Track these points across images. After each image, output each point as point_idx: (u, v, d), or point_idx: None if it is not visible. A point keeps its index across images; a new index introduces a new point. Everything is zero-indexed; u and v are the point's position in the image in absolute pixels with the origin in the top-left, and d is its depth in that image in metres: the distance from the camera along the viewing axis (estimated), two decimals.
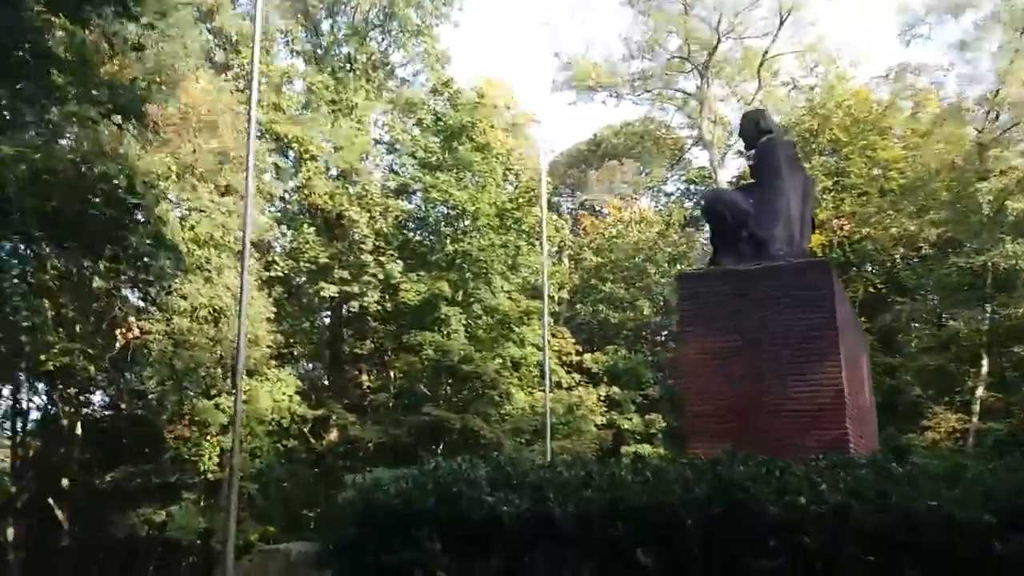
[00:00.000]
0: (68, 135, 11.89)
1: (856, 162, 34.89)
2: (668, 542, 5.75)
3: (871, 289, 34.72)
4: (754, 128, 10.09)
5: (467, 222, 24.05)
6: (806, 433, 8.21)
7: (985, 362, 26.39)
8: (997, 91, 26.04)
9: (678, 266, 34.54)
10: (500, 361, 24.15)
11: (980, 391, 26.32)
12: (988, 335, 26.03)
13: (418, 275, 23.72)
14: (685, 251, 32.61)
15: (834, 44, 33.89)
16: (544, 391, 17.04)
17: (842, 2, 48.55)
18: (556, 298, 26.90)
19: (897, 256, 31.69)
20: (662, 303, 32.40)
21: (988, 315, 25.62)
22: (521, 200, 24.02)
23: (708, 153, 33.86)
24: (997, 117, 27.42)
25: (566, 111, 70.23)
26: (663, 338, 33.69)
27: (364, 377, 29.61)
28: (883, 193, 34.08)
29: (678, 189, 42.10)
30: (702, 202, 9.86)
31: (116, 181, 10.11)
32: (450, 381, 24.72)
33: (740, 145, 36.57)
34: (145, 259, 10.69)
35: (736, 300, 8.84)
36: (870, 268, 34.11)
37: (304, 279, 26.66)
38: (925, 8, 28.48)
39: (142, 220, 10.54)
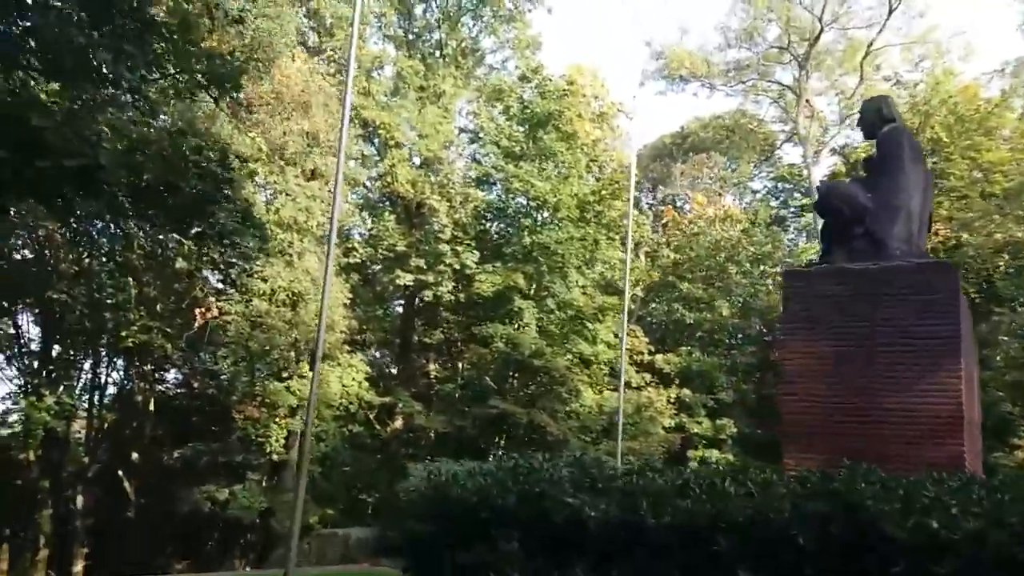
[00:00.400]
0: (163, 111, 11.92)
1: (958, 163, 33.12)
2: (775, 560, 5.19)
3: (966, 297, 32.98)
4: (876, 115, 9.28)
5: (546, 214, 23.57)
6: (919, 448, 7.46)
7: None
8: None
9: (762, 267, 33.43)
10: (570, 357, 23.61)
11: None
12: None
13: (493, 266, 23.36)
14: (770, 251, 31.46)
15: (944, 36, 31.89)
16: (619, 390, 16.39)
17: None
18: (631, 295, 26.17)
19: (1001, 263, 29.99)
20: (741, 304, 31.35)
21: None
22: (604, 193, 23.40)
23: (801, 148, 32.59)
24: None
25: (653, 103, 68.91)
26: (740, 340, 32.62)
27: (432, 367, 29.52)
28: (984, 197, 32.27)
29: (765, 187, 40.80)
30: (817, 193, 9.08)
31: (210, 154, 10.01)
32: (517, 375, 24.33)
33: (836, 141, 35.24)
34: (232, 237, 10.55)
35: (849, 301, 8.10)
36: (967, 275, 32.33)
37: (380, 267, 26.64)
38: None
39: (231, 197, 10.44)
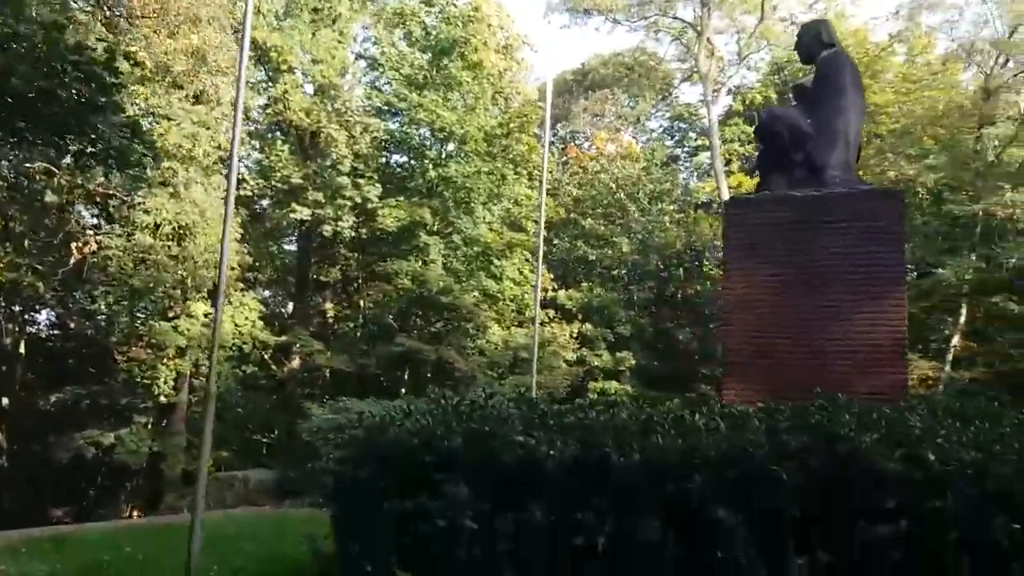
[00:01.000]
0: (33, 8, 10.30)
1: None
2: (755, 501, 4.92)
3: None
4: (815, 39, 9.02)
5: (452, 146, 22.72)
6: (863, 377, 7.42)
7: (964, 311, 26.19)
8: (1012, 32, 25.13)
9: (659, 204, 33.73)
10: (477, 294, 23.16)
11: (956, 340, 26.19)
12: (970, 284, 25.72)
13: (396, 200, 22.42)
14: (668, 189, 31.72)
15: None
16: (531, 325, 16.07)
17: None
18: (536, 232, 25.83)
19: None
20: (639, 241, 31.63)
21: (973, 264, 25.21)
22: (512, 126, 22.69)
23: (699, 87, 32.67)
24: (1007, 62, 26.54)
25: (556, 37, 67.85)
26: (638, 276, 32.97)
27: (329, 305, 28.49)
28: (871, 138, 33.52)
29: (661, 126, 41.10)
30: (758, 119, 8.73)
31: (93, 55, 8.64)
32: (423, 312, 23.72)
33: (734, 81, 35.58)
34: (115, 153, 9.27)
35: (792, 229, 7.91)
36: None
37: (272, 200, 25.20)
38: None
39: (119, 105, 9.12)
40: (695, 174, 37.56)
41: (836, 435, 4.84)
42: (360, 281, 25.64)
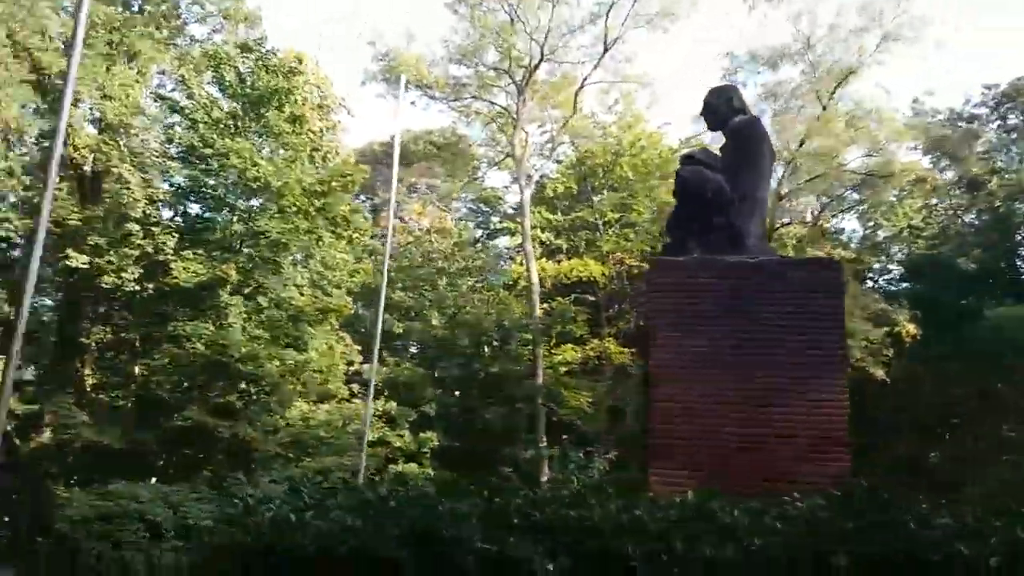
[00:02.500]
0: None
1: (641, 201, 36.00)
2: None
3: (640, 324, 35.90)
4: (726, 105, 8.64)
5: (263, 199, 20.61)
6: (805, 464, 6.73)
7: None
8: (802, 143, 27.56)
9: (468, 280, 33.17)
10: (280, 364, 20.85)
11: None
12: None
13: (195, 254, 19.84)
14: (480, 266, 31.26)
15: (655, 82, 34.25)
16: (363, 399, 14.40)
17: (669, 42, 50.29)
18: (347, 302, 24.08)
19: None
20: (449, 316, 30.78)
21: None
22: (334, 184, 21.04)
23: (516, 169, 32.89)
24: (796, 170, 29.03)
25: (370, 106, 66.68)
26: (446, 353, 31.91)
27: (87, 371, 24.60)
28: (662, 234, 35.39)
29: (467, 207, 40.99)
30: (679, 179, 8.06)
31: None
32: (213, 383, 20.90)
33: (550, 168, 36.26)
34: None
35: (727, 298, 7.22)
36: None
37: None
38: (749, 55, 29.54)
39: None
40: (502, 256, 37.54)
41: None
42: (137, 343, 22.32)
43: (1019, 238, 27.92)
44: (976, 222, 31.10)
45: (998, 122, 30.01)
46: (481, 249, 33.14)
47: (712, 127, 8.91)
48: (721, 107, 8.68)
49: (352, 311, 23.78)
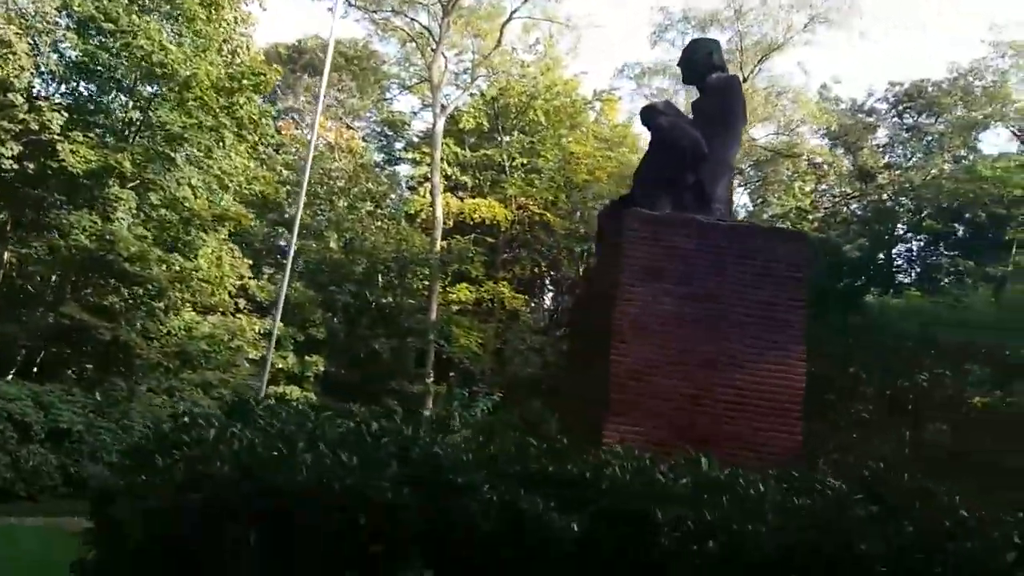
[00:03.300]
0: None
1: (550, 149, 35.81)
2: None
3: (534, 271, 36.13)
4: (706, 59, 8.40)
5: (165, 87, 18.92)
6: (755, 434, 6.78)
7: None
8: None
9: (367, 204, 32.09)
10: (167, 269, 19.53)
11: None
12: None
13: (86, 136, 18.09)
14: (385, 192, 30.31)
15: (580, 28, 33.69)
16: (273, 318, 13.67)
17: None
18: (245, 210, 22.75)
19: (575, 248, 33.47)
20: (348, 239, 29.82)
21: None
22: (245, 82, 19.55)
23: (432, 96, 31.85)
24: None
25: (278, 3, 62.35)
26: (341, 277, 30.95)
27: None
28: (568, 185, 35.44)
29: (373, 128, 39.53)
30: (656, 127, 7.79)
31: None
32: (81, 278, 19.31)
33: (463, 101, 35.25)
34: None
35: (697, 257, 7.08)
36: (542, 251, 35.28)
37: None
38: (682, 15, 29.47)
39: None
40: (402, 185, 36.51)
41: None
42: (9, 227, 20.34)
43: (900, 232, 29.54)
44: (859, 212, 32.73)
45: (895, 119, 31.40)
46: (389, 176, 32.01)
47: (688, 80, 8.67)
48: (700, 61, 8.45)
49: (251, 221, 22.48)
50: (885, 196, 30.30)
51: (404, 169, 38.48)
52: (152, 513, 3.85)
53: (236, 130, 19.91)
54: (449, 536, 3.69)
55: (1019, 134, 26.88)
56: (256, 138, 20.55)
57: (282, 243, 28.70)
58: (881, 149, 31.37)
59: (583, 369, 8.17)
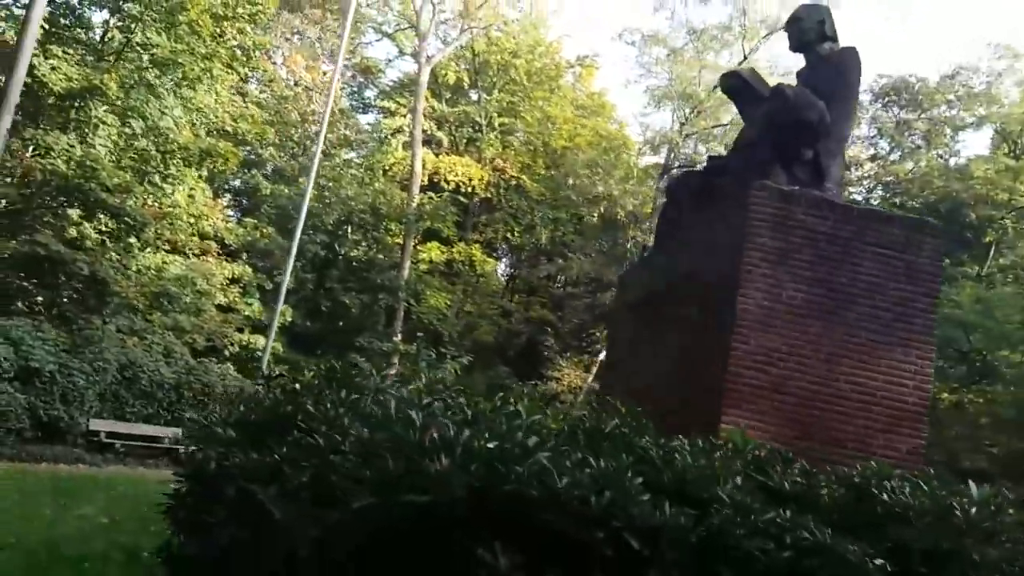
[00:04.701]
0: None
1: (529, 110, 34.95)
2: None
3: (508, 236, 35.37)
4: (817, 26, 7.82)
5: (154, 7, 17.40)
6: (882, 435, 6.33)
7: None
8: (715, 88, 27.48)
9: (344, 152, 30.76)
10: (146, 203, 18.24)
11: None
12: None
13: (65, 51, 16.54)
14: (364, 140, 29.03)
15: None
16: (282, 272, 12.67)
17: None
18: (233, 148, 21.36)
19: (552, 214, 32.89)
20: (321, 187, 28.56)
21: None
22: (240, 11, 18.10)
23: (418, 43, 30.56)
24: (700, 113, 28.95)
25: None
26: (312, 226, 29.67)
27: None
28: (547, 150, 34.65)
29: (350, 73, 37.80)
30: (783, 92, 7.16)
31: None
32: (55, 204, 17.77)
33: (443, 53, 33.89)
34: None
35: (827, 242, 6.54)
36: (516, 216, 34.54)
37: None
38: None
39: None
40: (374, 137, 35.08)
41: None
42: None
43: None
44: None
45: (881, 111, 31.51)
46: (372, 124, 30.73)
47: (795, 46, 8.05)
48: (811, 27, 7.88)
49: (239, 160, 21.14)
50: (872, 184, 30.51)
51: (371, 118, 37.01)
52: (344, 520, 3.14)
53: (228, 61, 18.53)
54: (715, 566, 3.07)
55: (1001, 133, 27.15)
56: (246, 71, 19.17)
57: (262, 188, 27.11)
58: (865, 140, 31.48)
59: (661, 351, 7.62)
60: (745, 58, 26.97)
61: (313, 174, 12.65)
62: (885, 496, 3.52)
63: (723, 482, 3.39)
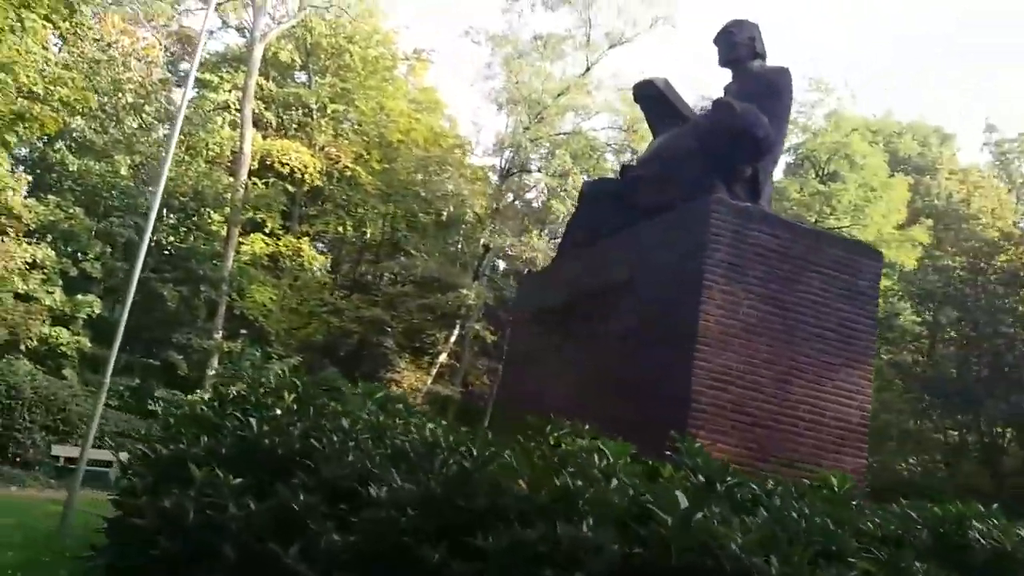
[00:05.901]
0: None
1: (363, 99, 33.81)
2: None
3: (340, 229, 34.00)
4: (748, 43, 7.82)
5: None
6: (829, 454, 6.37)
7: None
8: (560, 94, 27.71)
9: (163, 128, 27.97)
10: None
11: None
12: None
13: None
14: (189, 114, 26.57)
15: None
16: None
17: None
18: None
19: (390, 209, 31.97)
20: (139, 166, 25.93)
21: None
22: None
23: (253, 18, 28.49)
24: (541, 119, 29.04)
25: None
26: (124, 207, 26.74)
27: None
28: (382, 142, 33.58)
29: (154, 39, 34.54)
30: (728, 105, 7.07)
31: None
32: None
33: (279, 29, 31.82)
34: None
35: (779, 261, 6.47)
36: (347, 209, 33.29)
37: None
38: None
39: None
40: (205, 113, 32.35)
41: None
42: None
43: None
44: None
45: None
46: (197, 98, 28.19)
47: (724, 61, 8.02)
48: (742, 44, 7.90)
49: (61, 126, 18.50)
50: None
51: (176, 94, 33.94)
52: None
53: (45, 13, 16.15)
54: None
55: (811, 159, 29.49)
56: (67, 27, 16.80)
57: (68, 162, 23.89)
58: None
59: (582, 364, 7.31)
60: (588, 69, 27.47)
61: (170, 155, 11.03)
62: (976, 535, 3.36)
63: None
